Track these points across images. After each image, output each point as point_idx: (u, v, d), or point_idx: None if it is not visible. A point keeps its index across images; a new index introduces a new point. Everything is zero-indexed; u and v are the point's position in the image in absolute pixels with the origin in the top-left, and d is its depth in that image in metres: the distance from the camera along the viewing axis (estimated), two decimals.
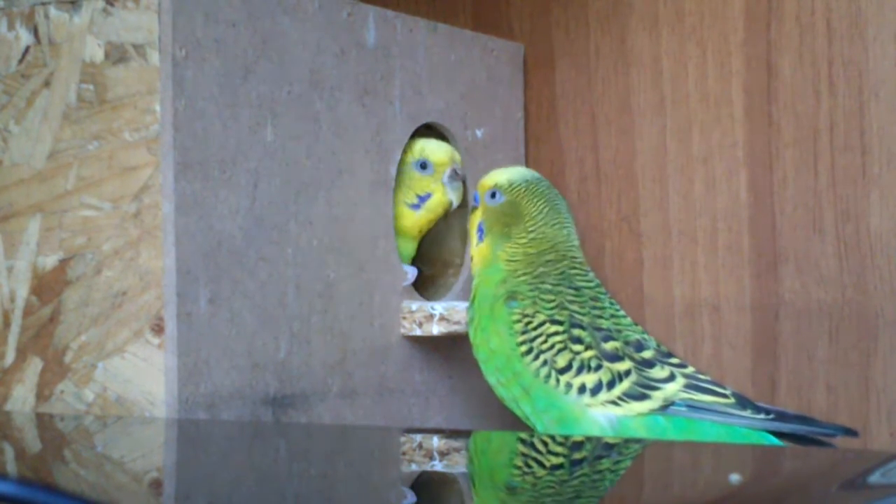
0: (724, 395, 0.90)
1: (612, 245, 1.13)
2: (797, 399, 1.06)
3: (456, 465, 0.76)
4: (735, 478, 0.66)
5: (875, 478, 0.66)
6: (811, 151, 1.06)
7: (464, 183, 1.03)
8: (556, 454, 0.78)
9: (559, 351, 0.91)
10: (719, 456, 0.77)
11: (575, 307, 0.93)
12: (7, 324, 0.89)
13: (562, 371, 0.91)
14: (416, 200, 1.01)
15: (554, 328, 0.92)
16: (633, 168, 1.12)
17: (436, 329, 0.98)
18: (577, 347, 0.91)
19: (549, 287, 0.94)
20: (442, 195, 1.01)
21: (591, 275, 0.96)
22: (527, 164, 1.14)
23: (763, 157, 1.08)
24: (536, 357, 0.92)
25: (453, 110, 1.05)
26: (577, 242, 0.98)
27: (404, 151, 1.01)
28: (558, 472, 0.73)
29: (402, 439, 0.85)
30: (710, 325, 1.09)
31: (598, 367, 0.91)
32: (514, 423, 0.97)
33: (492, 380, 0.95)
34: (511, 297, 0.93)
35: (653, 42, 1.12)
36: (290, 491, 0.66)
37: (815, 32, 1.06)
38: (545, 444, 0.82)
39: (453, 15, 1.17)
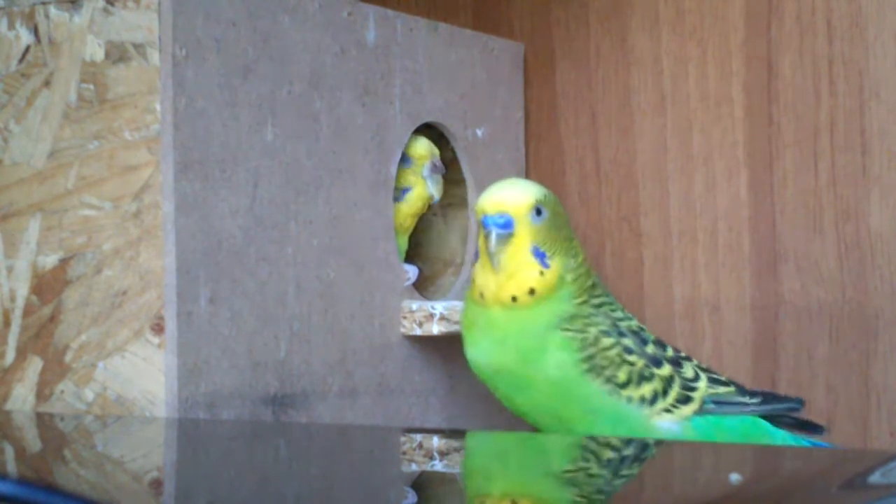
0: (727, 384, 0.91)
1: (612, 245, 1.13)
2: None
3: (456, 464, 0.76)
4: (735, 478, 0.66)
5: (875, 478, 0.66)
6: (811, 151, 1.06)
7: (443, 177, 1.03)
8: (558, 454, 0.78)
9: (618, 365, 0.89)
10: (719, 456, 0.77)
11: (618, 313, 0.91)
12: (7, 323, 0.89)
13: (623, 385, 0.89)
14: (396, 193, 1.01)
15: (608, 341, 0.89)
16: (633, 168, 1.12)
17: (436, 329, 0.98)
18: (632, 358, 0.89)
19: (595, 296, 0.91)
20: (422, 189, 1.01)
21: None
22: (526, 164, 1.14)
23: (763, 157, 1.08)
24: (598, 374, 0.89)
25: (453, 110, 1.05)
26: None
27: None
28: (560, 472, 0.73)
29: (402, 439, 0.85)
30: (710, 324, 1.09)
31: (652, 376, 0.89)
32: (512, 423, 0.97)
33: (536, 408, 0.90)
34: (563, 320, 0.89)
35: (653, 42, 1.11)
36: (290, 491, 0.66)
37: (816, 32, 1.06)
38: (546, 444, 0.82)
39: (453, 14, 1.17)
